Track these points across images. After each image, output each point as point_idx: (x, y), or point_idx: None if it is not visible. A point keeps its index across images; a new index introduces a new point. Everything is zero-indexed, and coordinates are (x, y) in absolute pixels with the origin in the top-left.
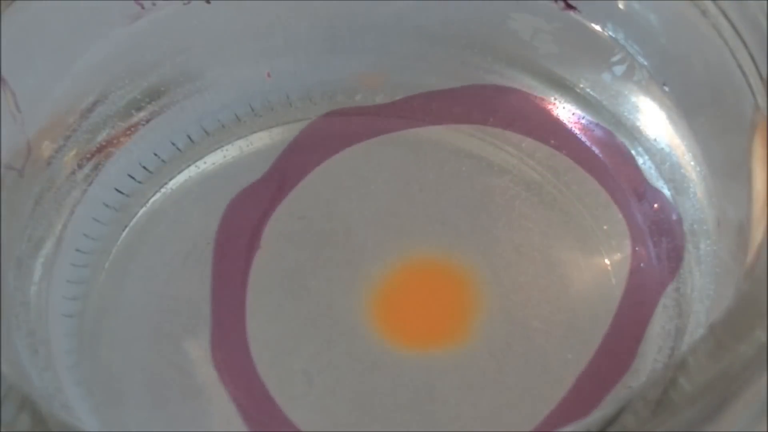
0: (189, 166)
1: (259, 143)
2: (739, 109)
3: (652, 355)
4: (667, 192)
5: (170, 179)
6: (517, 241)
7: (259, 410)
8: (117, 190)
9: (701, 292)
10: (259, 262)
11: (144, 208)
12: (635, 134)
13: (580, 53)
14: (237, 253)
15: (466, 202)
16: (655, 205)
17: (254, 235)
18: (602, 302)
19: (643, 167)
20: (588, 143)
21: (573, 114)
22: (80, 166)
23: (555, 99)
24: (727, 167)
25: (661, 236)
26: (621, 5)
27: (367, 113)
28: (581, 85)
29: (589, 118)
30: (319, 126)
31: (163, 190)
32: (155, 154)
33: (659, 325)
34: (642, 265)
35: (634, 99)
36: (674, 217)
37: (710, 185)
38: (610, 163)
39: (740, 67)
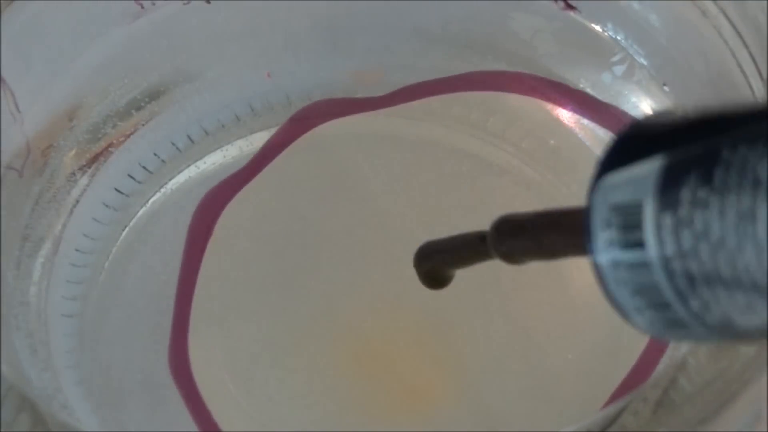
0: (189, 166)
1: (259, 143)
2: None
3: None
4: None
5: (170, 179)
6: None
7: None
8: (117, 190)
9: None
10: (258, 262)
11: (144, 208)
12: None
13: (580, 53)
14: (198, 244)
15: (466, 202)
16: None
17: (210, 225)
18: (602, 302)
19: None
20: (588, 143)
21: (573, 114)
22: (80, 166)
23: (555, 99)
24: None
25: None
26: (621, 5)
27: (365, 107)
28: (581, 85)
29: (589, 118)
30: (308, 124)
31: (163, 190)
32: (155, 154)
33: None
34: None
35: (634, 99)
36: None
37: None
38: None
39: (740, 67)
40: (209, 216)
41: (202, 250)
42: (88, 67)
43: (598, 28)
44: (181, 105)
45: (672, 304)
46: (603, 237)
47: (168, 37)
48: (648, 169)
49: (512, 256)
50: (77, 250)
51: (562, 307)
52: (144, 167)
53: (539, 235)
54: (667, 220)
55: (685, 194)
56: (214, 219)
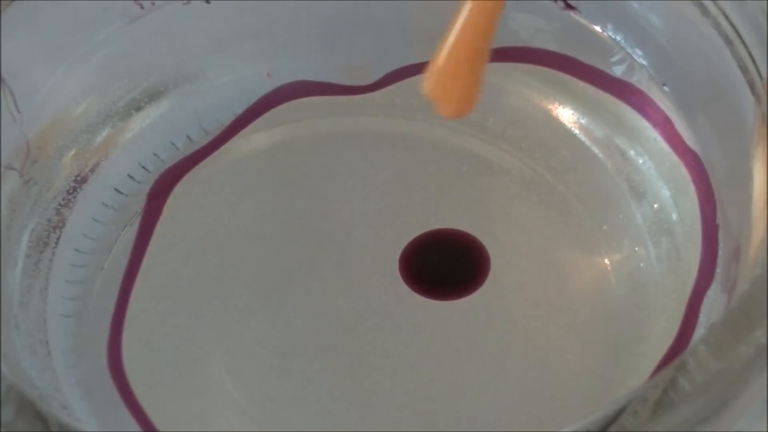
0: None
1: (259, 143)
2: (739, 109)
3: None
4: (667, 192)
5: None
6: (517, 241)
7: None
8: (117, 190)
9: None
10: (258, 262)
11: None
12: (635, 134)
13: (580, 53)
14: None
15: (466, 202)
16: (655, 205)
17: (158, 205)
18: (602, 302)
19: (643, 167)
20: (588, 143)
21: (573, 114)
22: (80, 166)
23: (555, 99)
24: (727, 167)
25: (661, 236)
26: (621, 5)
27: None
28: (581, 85)
29: (589, 118)
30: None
31: None
32: (155, 154)
33: (661, 326)
34: (642, 265)
35: (634, 99)
36: (674, 217)
37: (710, 185)
38: (610, 162)
39: (740, 67)
40: (162, 196)
41: (147, 240)
42: (87, 68)
43: (598, 28)
44: (181, 105)
45: None
46: None
47: (168, 37)
48: None
49: None
50: (77, 250)
51: (562, 307)
52: (144, 167)
53: None
54: None
55: None
56: (164, 200)
